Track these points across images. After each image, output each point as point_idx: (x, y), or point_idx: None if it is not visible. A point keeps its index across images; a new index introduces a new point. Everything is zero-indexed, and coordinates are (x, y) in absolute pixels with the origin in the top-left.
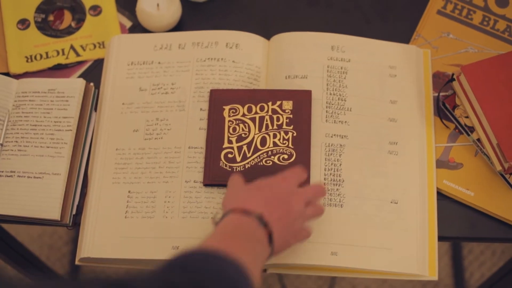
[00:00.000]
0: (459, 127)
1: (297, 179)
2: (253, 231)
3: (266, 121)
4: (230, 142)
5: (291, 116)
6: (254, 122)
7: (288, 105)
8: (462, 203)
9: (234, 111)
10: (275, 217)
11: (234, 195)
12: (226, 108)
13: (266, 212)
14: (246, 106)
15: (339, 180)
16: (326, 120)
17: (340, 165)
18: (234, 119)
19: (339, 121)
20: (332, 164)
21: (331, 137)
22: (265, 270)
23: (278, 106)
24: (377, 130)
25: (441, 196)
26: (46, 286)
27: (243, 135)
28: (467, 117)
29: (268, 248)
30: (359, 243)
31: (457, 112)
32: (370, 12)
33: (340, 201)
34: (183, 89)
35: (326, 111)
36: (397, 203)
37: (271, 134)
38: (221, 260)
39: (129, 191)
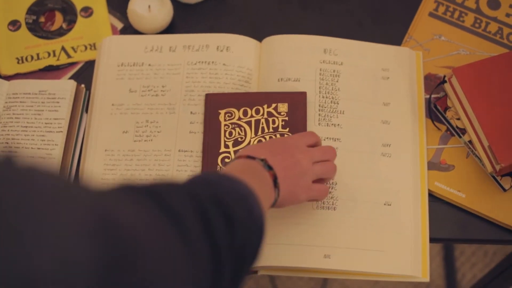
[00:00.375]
0: (451, 129)
1: (307, 139)
2: (259, 171)
3: (262, 124)
4: (226, 146)
5: (286, 118)
6: (250, 125)
7: (283, 107)
8: (453, 204)
9: (229, 115)
10: (280, 165)
11: (240, 150)
12: (222, 112)
13: (270, 158)
14: (241, 110)
15: (332, 183)
16: (319, 123)
17: None
18: (230, 123)
19: (332, 124)
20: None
21: (324, 140)
22: (256, 272)
23: (273, 108)
24: (370, 132)
25: (433, 198)
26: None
27: (239, 139)
28: (458, 119)
29: (274, 191)
30: (352, 246)
31: (448, 114)
32: (361, 15)
33: (333, 204)
34: (174, 92)
35: (319, 114)
36: (390, 205)
37: (267, 137)
38: (233, 181)
39: None
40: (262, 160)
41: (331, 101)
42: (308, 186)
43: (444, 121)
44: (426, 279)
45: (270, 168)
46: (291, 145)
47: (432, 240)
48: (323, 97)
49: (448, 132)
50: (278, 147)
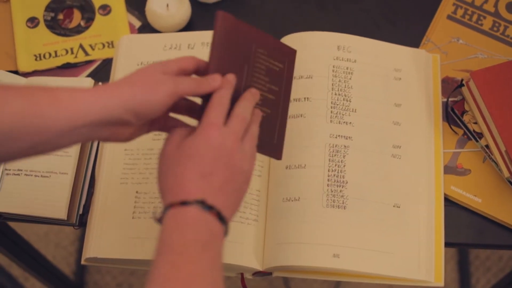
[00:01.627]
0: (468, 133)
1: (221, 109)
2: (201, 225)
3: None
4: None
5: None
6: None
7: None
8: (469, 209)
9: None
10: (217, 188)
11: (166, 174)
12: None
13: (206, 189)
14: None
15: (343, 181)
16: (331, 120)
17: (344, 166)
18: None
19: (344, 122)
20: (336, 165)
21: (336, 137)
22: (270, 273)
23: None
24: (380, 132)
25: (449, 202)
26: None
27: None
28: (475, 123)
29: (222, 230)
30: (362, 246)
31: (465, 118)
32: (379, 17)
33: (343, 203)
34: None
35: (331, 112)
36: (399, 207)
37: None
38: None
39: (136, 192)
40: (199, 202)
41: (343, 99)
42: (248, 176)
43: (461, 125)
44: (440, 283)
45: (210, 207)
46: (218, 145)
47: (447, 244)
48: (335, 94)
49: (465, 136)
50: (210, 161)
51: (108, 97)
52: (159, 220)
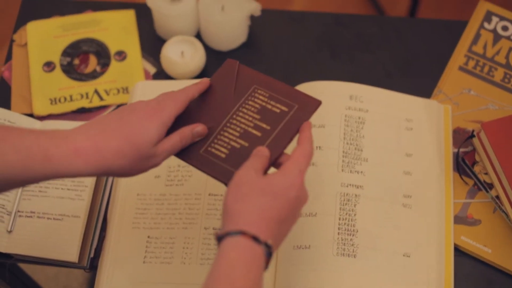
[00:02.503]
0: (478, 183)
1: (308, 161)
2: (260, 270)
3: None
4: None
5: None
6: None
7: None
8: (479, 259)
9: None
10: (283, 236)
11: (246, 197)
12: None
13: (276, 235)
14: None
15: (353, 230)
16: (343, 169)
17: (355, 215)
18: None
19: (355, 171)
20: (346, 213)
21: (347, 186)
22: None
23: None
24: (391, 182)
25: (459, 252)
26: None
27: None
28: (486, 173)
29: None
30: None
31: (476, 169)
32: (391, 67)
33: (353, 251)
34: None
35: (343, 161)
36: (409, 256)
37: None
38: None
39: (148, 236)
40: (267, 246)
41: (355, 148)
42: (297, 216)
43: (471, 175)
44: None
45: (270, 254)
46: (299, 197)
47: None
48: (347, 143)
49: (476, 186)
50: (287, 212)
51: (100, 147)
52: (219, 239)
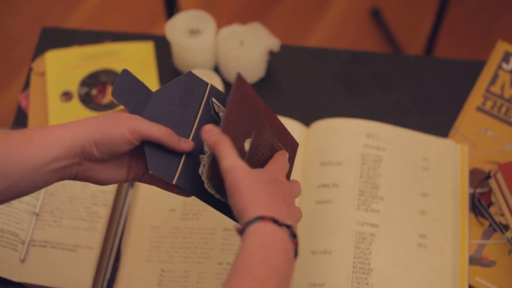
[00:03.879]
0: (494, 224)
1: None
2: (285, 255)
3: None
4: None
5: None
6: None
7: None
8: None
9: None
10: (296, 220)
11: (252, 192)
12: None
13: (291, 219)
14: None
15: (368, 269)
16: (358, 207)
17: (370, 253)
18: None
19: (371, 210)
20: (361, 252)
21: (362, 225)
22: None
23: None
24: (407, 221)
25: None
26: None
27: None
28: (502, 215)
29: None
30: None
31: (492, 210)
32: (409, 106)
33: None
34: None
35: (359, 199)
36: None
37: None
38: None
39: (162, 270)
40: (287, 227)
41: (371, 186)
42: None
43: (487, 216)
44: None
45: (294, 236)
46: (287, 188)
47: None
48: (363, 181)
49: (491, 227)
50: (285, 193)
51: (73, 130)
52: (241, 232)
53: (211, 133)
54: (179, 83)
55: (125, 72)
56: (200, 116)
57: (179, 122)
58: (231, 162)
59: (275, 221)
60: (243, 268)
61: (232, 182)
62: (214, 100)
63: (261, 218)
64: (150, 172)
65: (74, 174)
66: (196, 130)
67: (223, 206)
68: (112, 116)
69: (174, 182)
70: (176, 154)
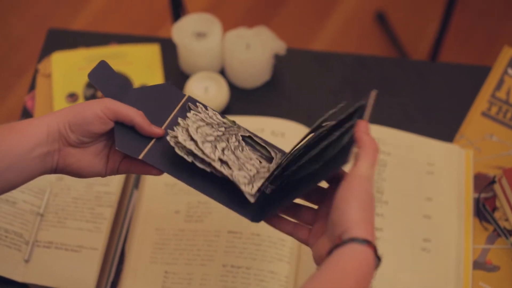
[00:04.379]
0: (498, 229)
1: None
2: (371, 281)
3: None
4: None
5: None
6: None
7: None
8: None
9: None
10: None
11: (365, 209)
12: None
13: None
14: None
15: None
16: None
17: None
18: None
19: (376, 214)
20: None
21: None
22: None
23: None
24: (411, 225)
25: None
26: None
27: None
28: (506, 220)
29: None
30: None
31: (496, 215)
32: (414, 111)
33: None
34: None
35: None
36: None
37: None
38: None
39: (165, 271)
40: (379, 259)
41: (376, 191)
42: None
43: (492, 221)
44: None
45: (379, 259)
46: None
47: None
48: None
49: (495, 232)
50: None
51: (50, 117)
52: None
53: (365, 130)
54: (158, 87)
55: (103, 62)
56: (174, 115)
57: (153, 115)
58: (370, 171)
59: (375, 249)
60: (335, 284)
61: (357, 190)
62: (190, 104)
63: (367, 242)
64: (116, 148)
65: (56, 162)
66: (168, 125)
67: (197, 181)
68: (88, 101)
69: (140, 157)
70: (145, 138)
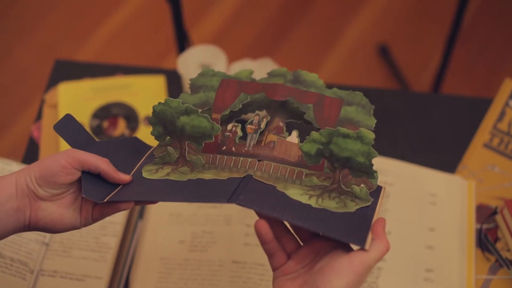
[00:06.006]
0: (500, 260)
1: None
2: None
3: None
4: None
5: None
6: None
7: None
8: None
9: None
10: None
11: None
12: None
13: None
14: None
15: None
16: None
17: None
18: None
19: None
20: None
21: None
22: None
23: None
24: (414, 256)
25: None
26: None
27: None
28: (508, 250)
29: None
30: None
31: (498, 245)
32: (417, 141)
33: None
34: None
35: None
36: None
37: None
38: None
39: None
40: None
41: None
42: None
43: (494, 251)
44: None
45: None
46: None
47: None
48: None
49: (497, 263)
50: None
51: (18, 172)
52: None
53: (384, 227)
54: (125, 140)
55: (68, 115)
56: (140, 163)
57: (119, 165)
58: (374, 264)
59: None
60: None
61: (357, 274)
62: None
63: None
64: (83, 196)
65: (28, 217)
66: (135, 172)
67: (171, 196)
68: (54, 154)
69: (105, 200)
70: (112, 185)
